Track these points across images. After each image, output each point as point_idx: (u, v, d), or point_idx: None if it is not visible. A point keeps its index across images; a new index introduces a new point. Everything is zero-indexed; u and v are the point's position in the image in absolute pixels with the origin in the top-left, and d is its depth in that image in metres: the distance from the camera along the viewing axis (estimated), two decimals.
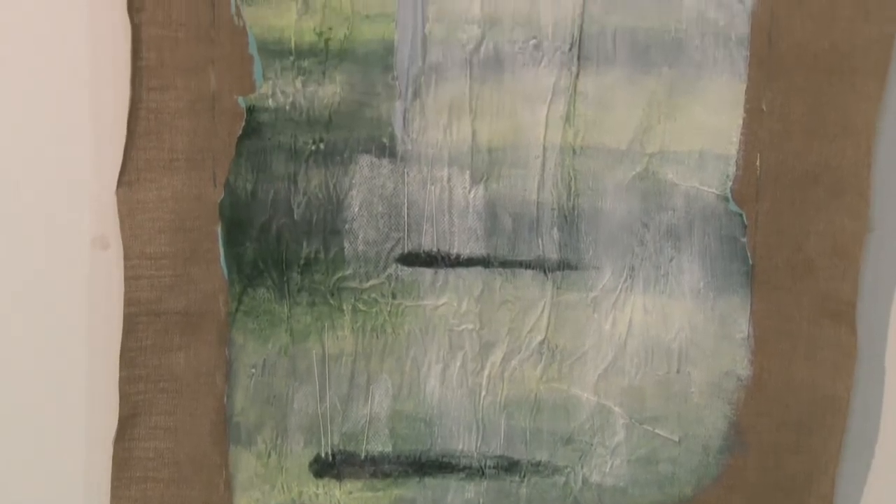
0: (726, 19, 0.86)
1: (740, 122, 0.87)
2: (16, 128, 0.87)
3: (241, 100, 0.87)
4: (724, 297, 0.89)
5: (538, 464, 0.91)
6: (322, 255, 0.88)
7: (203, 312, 0.88)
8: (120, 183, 0.87)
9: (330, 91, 0.87)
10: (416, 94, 0.87)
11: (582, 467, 0.91)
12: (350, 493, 0.91)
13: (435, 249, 0.89)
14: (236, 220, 0.88)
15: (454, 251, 0.89)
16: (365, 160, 0.88)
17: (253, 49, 0.86)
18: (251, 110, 0.87)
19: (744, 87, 0.87)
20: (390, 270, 0.89)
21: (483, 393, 0.90)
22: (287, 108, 0.87)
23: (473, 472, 0.91)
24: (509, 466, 0.91)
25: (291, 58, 0.87)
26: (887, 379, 0.90)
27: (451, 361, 0.90)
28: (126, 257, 0.87)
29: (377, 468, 0.91)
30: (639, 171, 0.88)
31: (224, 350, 0.88)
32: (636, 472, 0.91)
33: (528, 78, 0.87)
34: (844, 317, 0.87)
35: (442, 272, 0.89)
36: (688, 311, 0.89)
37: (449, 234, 0.88)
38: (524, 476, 0.91)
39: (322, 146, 0.88)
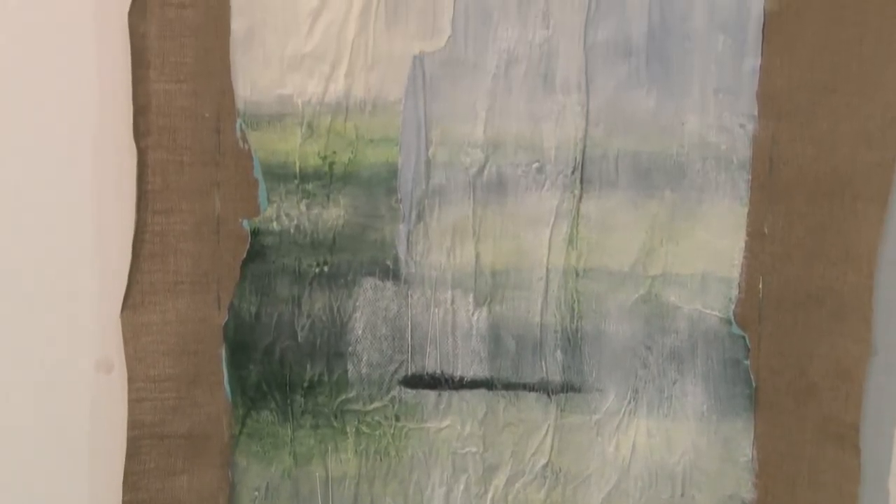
0: (728, 143, 0.87)
1: (742, 245, 0.88)
2: (22, 249, 0.87)
3: (245, 223, 0.87)
4: (727, 421, 0.89)
5: None
6: (326, 378, 0.89)
7: (207, 435, 0.88)
8: (124, 306, 0.87)
9: (334, 214, 0.88)
10: (419, 217, 0.88)
11: None
12: None
13: (438, 372, 0.89)
14: (240, 343, 0.88)
15: (457, 373, 0.89)
16: (369, 282, 0.88)
17: (258, 172, 0.87)
18: (255, 233, 0.87)
19: (746, 210, 0.88)
20: (394, 393, 0.89)
21: None
22: (291, 230, 0.88)
23: None
24: None
25: (296, 181, 0.87)
26: (891, 502, 0.89)
27: (455, 485, 0.90)
28: (130, 380, 0.87)
29: None
30: (642, 294, 0.89)
31: (227, 473, 0.88)
32: None
33: (530, 201, 0.88)
34: (848, 440, 0.87)
35: (445, 395, 0.89)
36: (691, 435, 0.89)
37: (452, 356, 0.89)
38: None
39: (326, 269, 0.88)
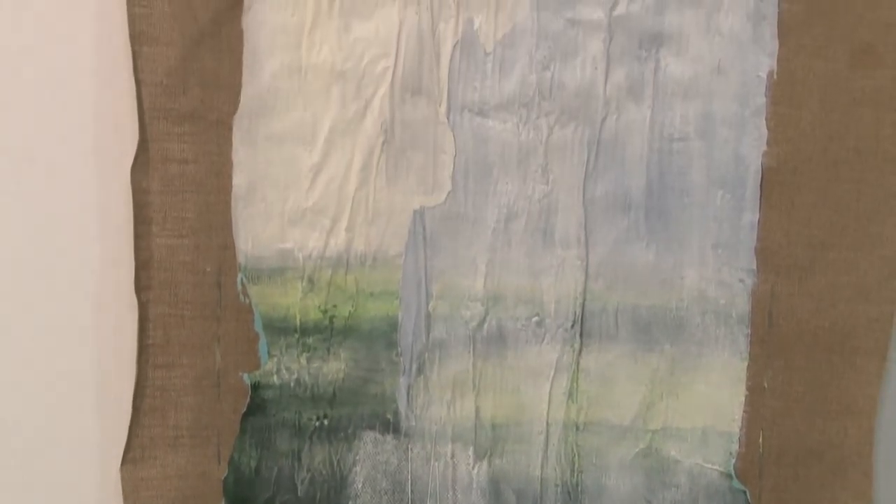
0: (727, 298, 0.87)
1: (742, 399, 0.88)
2: (23, 402, 0.87)
3: (246, 377, 0.87)
4: None
5: None
6: None
7: None
8: (125, 460, 0.87)
9: (334, 367, 0.88)
10: (419, 371, 0.88)
11: None
12: None
13: None
14: (240, 498, 0.88)
15: None
16: (369, 436, 0.88)
17: (258, 326, 0.87)
18: (256, 387, 0.87)
19: (745, 364, 0.88)
20: None
21: None
22: (292, 384, 0.88)
23: None
24: None
25: (296, 335, 0.87)
26: None
27: None
28: None
29: None
30: (642, 448, 0.89)
31: None
32: None
33: (531, 354, 0.88)
34: None
35: None
36: None
37: None
38: None
39: (326, 422, 0.88)
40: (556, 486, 0.89)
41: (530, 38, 0.86)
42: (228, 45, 0.85)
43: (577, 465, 0.88)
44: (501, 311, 0.88)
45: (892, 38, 0.84)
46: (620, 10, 0.85)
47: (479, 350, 0.88)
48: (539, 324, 0.88)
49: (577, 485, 0.89)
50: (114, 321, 0.87)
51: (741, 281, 0.87)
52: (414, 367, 0.88)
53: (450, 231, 0.87)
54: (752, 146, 0.86)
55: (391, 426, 0.88)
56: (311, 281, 0.87)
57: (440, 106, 0.86)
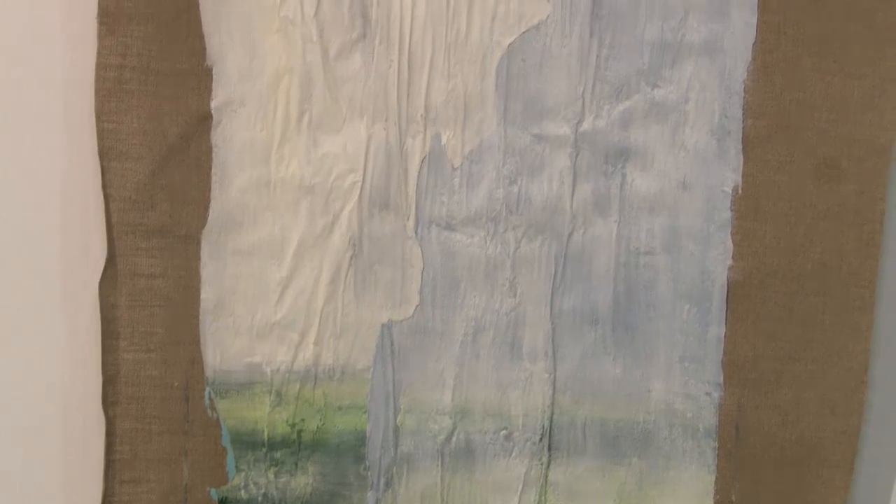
0: (694, 411, 0.88)
1: None
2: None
3: (213, 492, 0.87)
4: None
5: None
6: None
7: None
8: None
9: (302, 482, 0.88)
10: (388, 485, 0.88)
11: None
12: None
13: None
14: None
15: None
16: None
17: (226, 441, 0.87)
18: (224, 502, 0.87)
19: (713, 478, 0.88)
20: None
21: None
22: (259, 499, 0.87)
23: None
24: None
25: (264, 449, 0.87)
26: None
27: None
28: None
29: None
30: None
31: None
32: None
33: (499, 468, 0.88)
34: None
35: None
36: None
37: None
38: None
39: None
40: None
41: (497, 153, 0.86)
42: (197, 160, 0.86)
43: None
44: (469, 425, 0.88)
45: (855, 152, 0.85)
46: (586, 125, 0.86)
47: (447, 464, 0.88)
48: (507, 437, 0.88)
49: None
50: (81, 437, 0.87)
51: (708, 394, 0.87)
52: (382, 481, 0.88)
53: (418, 345, 0.87)
54: (718, 260, 0.87)
55: None
56: (279, 395, 0.87)
57: (408, 220, 0.87)
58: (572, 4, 0.85)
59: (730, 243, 0.87)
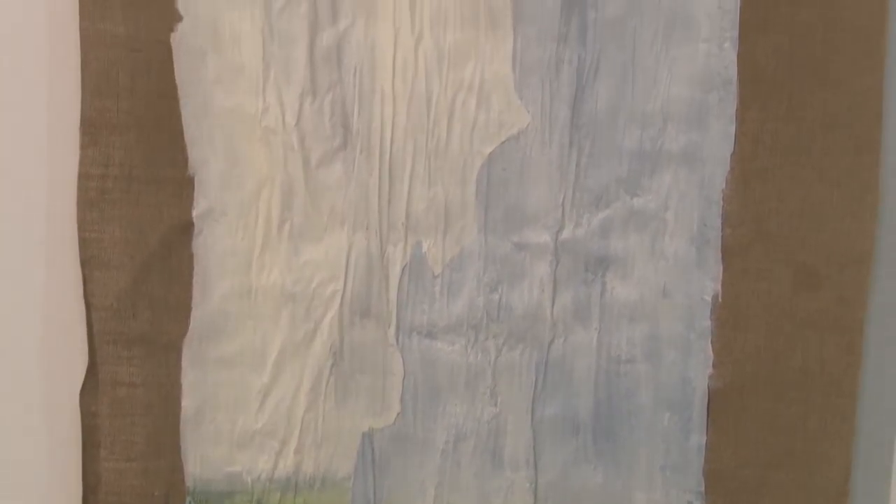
0: None
1: None
2: None
3: None
4: None
5: None
6: None
7: None
8: None
9: None
10: None
11: None
12: None
13: None
14: None
15: None
16: None
17: None
18: None
19: None
20: None
21: None
22: None
23: None
24: None
25: None
26: None
27: None
28: None
29: None
30: None
31: None
32: None
33: None
34: None
35: None
36: None
37: None
38: None
39: None
40: None
41: (478, 261, 0.87)
42: (179, 269, 0.86)
43: None
44: None
45: (834, 260, 0.85)
46: (566, 233, 0.86)
47: None
48: None
49: None
50: None
51: (689, 503, 0.87)
52: None
53: (399, 453, 0.87)
54: (699, 368, 0.87)
55: None
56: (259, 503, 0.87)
57: (389, 328, 0.87)
58: (552, 113, 0.86)
59: (710, 351, 0.87)
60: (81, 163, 0.85)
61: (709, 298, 0.87)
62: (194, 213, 0.86)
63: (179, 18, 0.84)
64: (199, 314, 0.86)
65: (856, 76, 0.84)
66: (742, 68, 0.85)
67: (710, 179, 0.86)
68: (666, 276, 0.87)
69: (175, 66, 0.85)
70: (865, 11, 0.84)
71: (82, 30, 0.84)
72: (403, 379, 0.87)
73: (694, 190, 0.86)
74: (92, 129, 0.84)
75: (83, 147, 0.84)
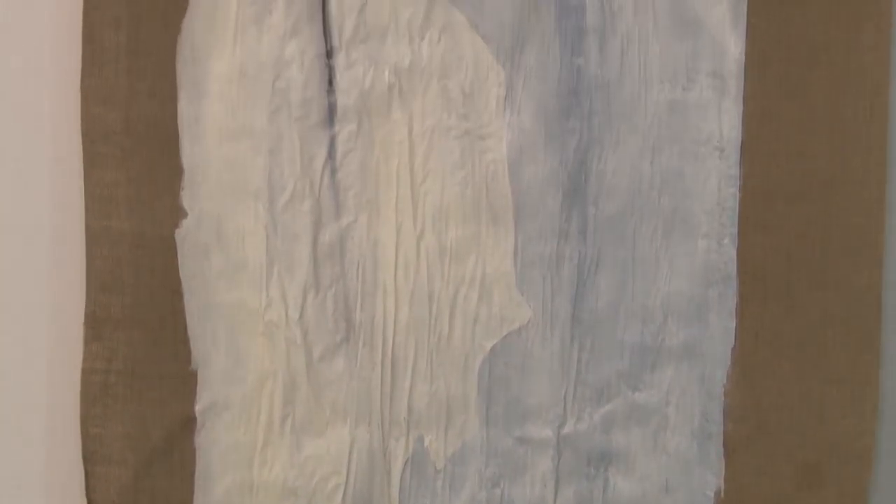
0: None
1: None
2: None
3: None
4: None
5: None
6: None
7: None
8: None
9: None
10: None
11: None
12: None
13: None
14: None
15: None
16: None
17: None
18: None
19: None
20: None
21: None
22: None
23: None
24: None
25: None
26: None
27: None
28: None
29: None
30: None
31: None
32: None
33: None
34: None
35: None
36: None
37: None
38: None
39: None
40: None
41: (480, 455, 0.87)
42: (181, 464, 0.86)
43: None
44: None
45: (836, 457, 0.86)
46: (568, 428, 0.87)
47: None
48: None
49: None
50: None
51: None
52: None
53: None
54: None
55: None
56: None
57: None
58: (553, 308, 0.86)
59: None
60: (85, 358, 0.85)
61: (711, 494, 0.87)
62: (197, 408, 0.86)
63: (184, 215, 0.85)
64: None
65: (854, 274, 0.85)
66: (742, 264, 0.86)
67: (711, 374, 0.87)
68: (668, 472, 0.87)
69: (179, 261, 0.86)
70: (863, 210, 0.84)
71: (88, 227, 0.85)
72: None
73: (695, 385, 0.87)
74: (96, 324, 0.85)
75: (87, 342, 0.85)
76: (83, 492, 0.85)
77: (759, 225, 0.86)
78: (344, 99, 0.86)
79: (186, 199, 0.85)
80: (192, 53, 0.86)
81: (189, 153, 0.86)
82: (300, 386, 0.87)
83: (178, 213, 0.86)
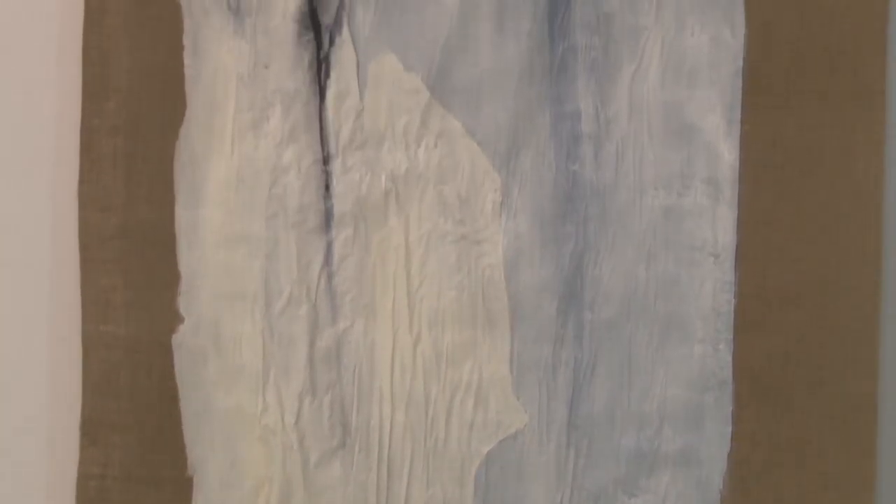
0: None
1: None
2: None
3: None
4: None
5: None
6: None
7: None
8: None
9: None
10: None
11: None
12: None
13: None
14: None
15: None
16: None
17: None
18: None
19: None
20: None
21: None
22: None
23: None
24: None
25: None
26: None
27: None
28: None
29: None
30: None
31: None
32: None
33: None
34: None
35: None
36: None
37: None
38: None
39: None
40: None
41: None
42: None
43: None
44: None
45: None
46: None
47: None
48: None
49: None
50: None
51: None
52: None
53: None
54: None
55: None
56: None
57: None
58: (549, 414, 0.86)
59: None
60: (81, 463, 0.85)
61: None
62: None
63: (181, 320, 0.85)
64: None
65: (851, 380, 0.85)
66: (737, 369, 0.86)
67: (707, 479, 0.87)
68: None
69: (176, 366, 0.86)
70: (859, 314, 0.85)
71: (84, 332, 0.85)
72: None
73: (692, 490, 0.87)
74: (93, 429, 0.85)
75: (83, 447, 0.85)
76: None
77: (755, 330, 0.86)
78: (341, 204, 0.86)
79: (183, 305, 0.86)
80: (190, 159, 0.86)
81: (186, 258, 0.86)
82: (296, 491, 0.87)
83: (174, 319, 0.86)
